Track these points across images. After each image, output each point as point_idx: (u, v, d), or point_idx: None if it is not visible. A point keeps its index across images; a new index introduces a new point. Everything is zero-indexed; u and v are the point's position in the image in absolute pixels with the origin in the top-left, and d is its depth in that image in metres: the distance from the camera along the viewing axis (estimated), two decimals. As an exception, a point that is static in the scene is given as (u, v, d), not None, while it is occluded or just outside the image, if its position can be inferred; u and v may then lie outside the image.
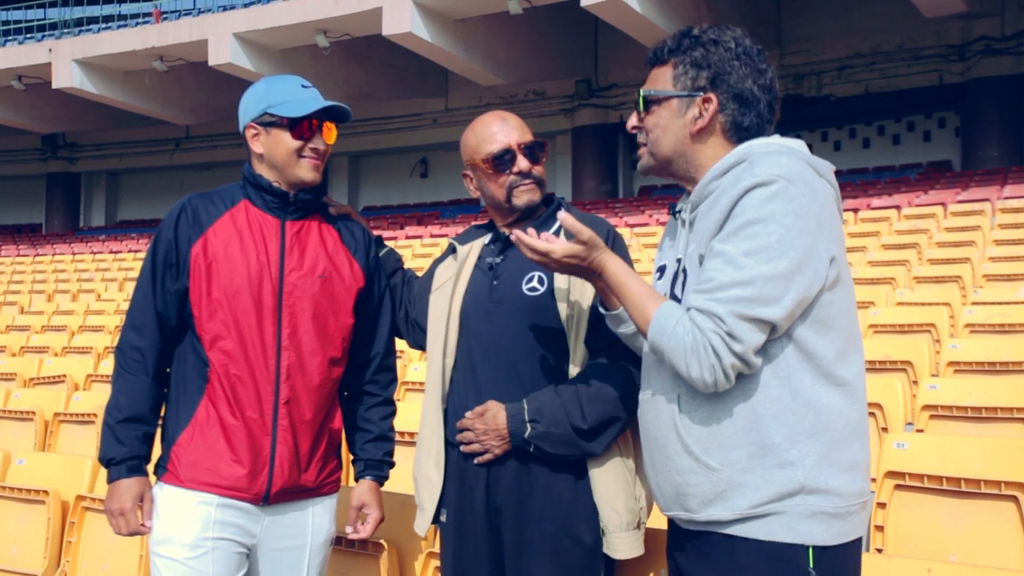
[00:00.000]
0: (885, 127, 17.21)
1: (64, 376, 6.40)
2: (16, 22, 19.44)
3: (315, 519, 2.31)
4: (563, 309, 2.16)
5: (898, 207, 10.85)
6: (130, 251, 16.17)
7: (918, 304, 6.11)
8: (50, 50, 16.58)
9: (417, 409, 3.38)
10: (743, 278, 1.61)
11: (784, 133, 1.84)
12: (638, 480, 2.17)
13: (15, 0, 20.79)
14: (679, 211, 1.88)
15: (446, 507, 2.26)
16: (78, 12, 17.95)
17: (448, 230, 13.60)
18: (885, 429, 3.91)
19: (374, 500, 2.38)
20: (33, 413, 5.23)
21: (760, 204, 1.63)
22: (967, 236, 8.42)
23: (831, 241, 1.67)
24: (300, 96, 2.24)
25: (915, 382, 4.52)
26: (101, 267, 14.79)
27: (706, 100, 1.80)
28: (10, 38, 18.55)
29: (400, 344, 2.55)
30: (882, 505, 3.05)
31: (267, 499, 2.20)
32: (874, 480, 3.26)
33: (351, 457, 2.46)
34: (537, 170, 2.28)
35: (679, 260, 1.82)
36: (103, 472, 2.32)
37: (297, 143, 2.22)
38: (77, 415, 5.11)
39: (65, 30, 17.59)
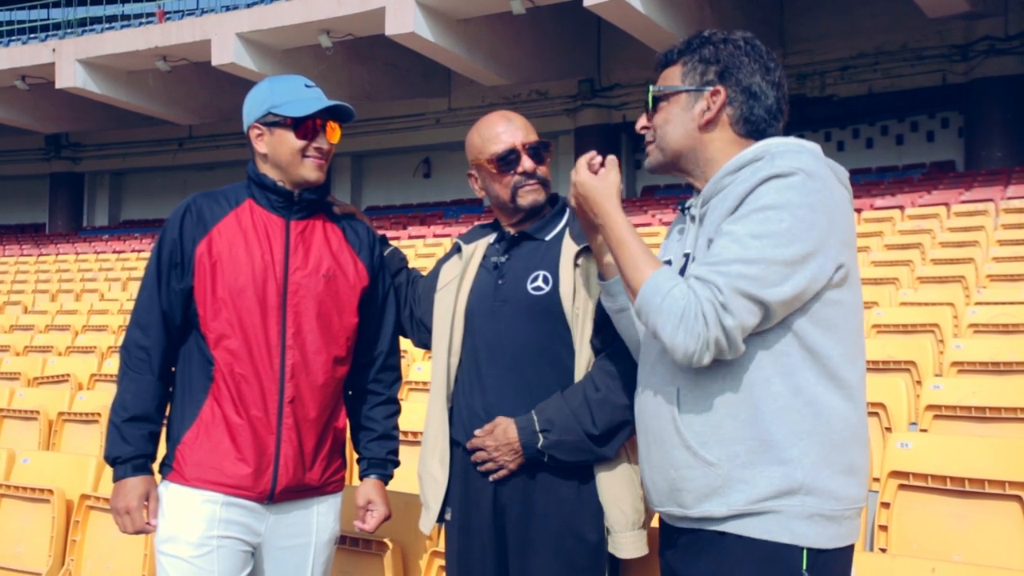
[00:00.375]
0: (888, 127, 17.20)
1: (68, 375, 6.41)
2: (20, 22, 19.47)
3: (320, 517, 2.31)
4: (568, 308, 2.16)
5: (901, 207, 10.84)
6: (133, 251, 16.19)
7: (922, 304, 6.10)
8: (54, 50, 16.60)
9: (421, 409, 3.39)
10: (748, 256, 1.60)
11: (786, 134, 1.84)
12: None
13: (19, 0, 20.83)
14: (688, 207, 1.87)
15: (451, 505, 2.26)
16: (81, 12, 17.99)
17: (451, 230, 13.61)
18: (889, 429, 3.91)
19: (380, 497, 2.38)
20: (37, 412, 5.24)
21: (776, 192, 1.62)
22: (971, 236, 8.41)
23: (842, 243, 1.66)
24: (304, 96, 2.24)
25: (919, 382, 4.51)
26: (104, 267, 14.81)
27: (714, 93, 1.81)
28: (14, 38, 18.58)
29: (403, 343, 2.55)
30: (886, 505, 3.05)
31: (272, 497, 2.21)
32: (877, 480, 3.26)
33: (355, 456, 2.47)
34: (541, 170, 2.28)
35: (687, 255, 1.81)
36: (107, 471, 2.33)
37: (301, 143, 2.23)
38: (81, 414, 5.12)
39: (69, 30, 17.62)
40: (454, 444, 2.27)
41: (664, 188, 17.87)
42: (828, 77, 16.31)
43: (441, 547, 2.67)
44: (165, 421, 2.29)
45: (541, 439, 2.10)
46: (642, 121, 1.91)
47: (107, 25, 17.47)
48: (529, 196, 2.27)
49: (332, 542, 2.37)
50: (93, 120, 20.35)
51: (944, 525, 2.96)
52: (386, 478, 2.42)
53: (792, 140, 1.76)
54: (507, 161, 2.25)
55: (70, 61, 16.35)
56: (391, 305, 2.45)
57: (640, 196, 18.05)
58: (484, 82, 16.33)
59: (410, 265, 2.62)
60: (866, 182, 14.09)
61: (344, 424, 2.37)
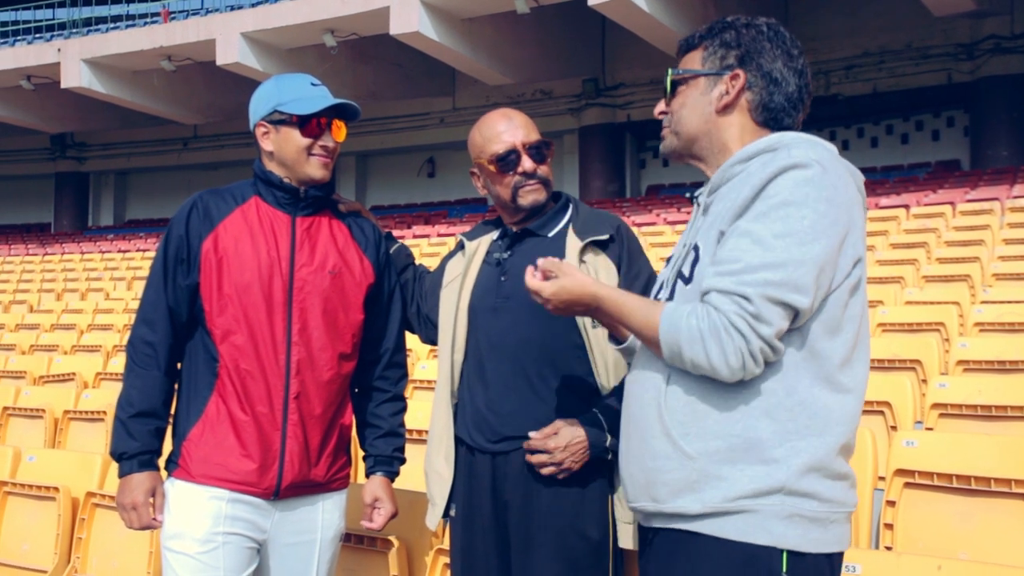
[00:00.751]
0: (893, 126, 17.17)
1: (73, 374, 6.43)
2: (25, 22, 19.52)
3: (325, 514, 2.31)
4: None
5: (907, 206, 10.82)
6: (138, 250, 16.22)
7: (927, 303, 6.09)
8: (59, 50, 16.63)
9: (425, 407, 3.39)
10: (773, 260, 1.53)
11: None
12: None
13: (24, 0, 20.87)
14: (697, 196, 1.82)
15: (455, 502, 2.27)
16: (86, 12, 18.01)
17: (455, 229, 13.61)
18: (894, 427, 3.90)
19: (387, 495, 2.39)
20: (43, 411, 5.25)
21: (794, 186, 1.57)
22: (976, 235, 8.39)
23: (858, 240, 1.62)
24: (309, 94, 2.25)
25: (924, 381, 4.50)
26: (110, 266, 14.83)
27: (733, 76, 1.75)
28: (19, 38, 18.64)
29: (408, 342, 2.56)
30: (891, 503, 3.04)
31: (277, 494, 2.21)
32: (883, 478, 3.25)
33: (362, 454, 2.47)
34: (542, 170, 2.27)
35: (696, 248, 1.73)
36: (113, 469, 2.33)
37: (306, 141, 2.23)
38: (86, 413, 5.13)
39: (74, 30, 17.65)
40: (458, 441, 2.27)
41: (668, 187, 17.86)
42: (833, 76, 16.28)
43: (446, 544, 2.67)
44: (171, 417, 2.29)
45: (609, 438, 2.10)
46: (660, 106, 1.87)
47: (112, 25, 17.50)
48: (530, 196, 2.26)
49: (337, 539, 2.38)
50: (98, 120, 20.39)
51: (950, 523, 2.96)
52: (392, 475, 2.42)
53: (806, 135, 1.71)
54: (507, 161, 2.25)
55: (75, 61, 16.39)
56: (397, 302, 2.45)
57: (645, 195, 18.05)
58: (488, 81, 16.33)
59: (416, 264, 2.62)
60: (871, 181, 14.05)
61: (350, 421, 2.38)
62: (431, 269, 2.55)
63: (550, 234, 2.29)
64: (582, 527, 2.13)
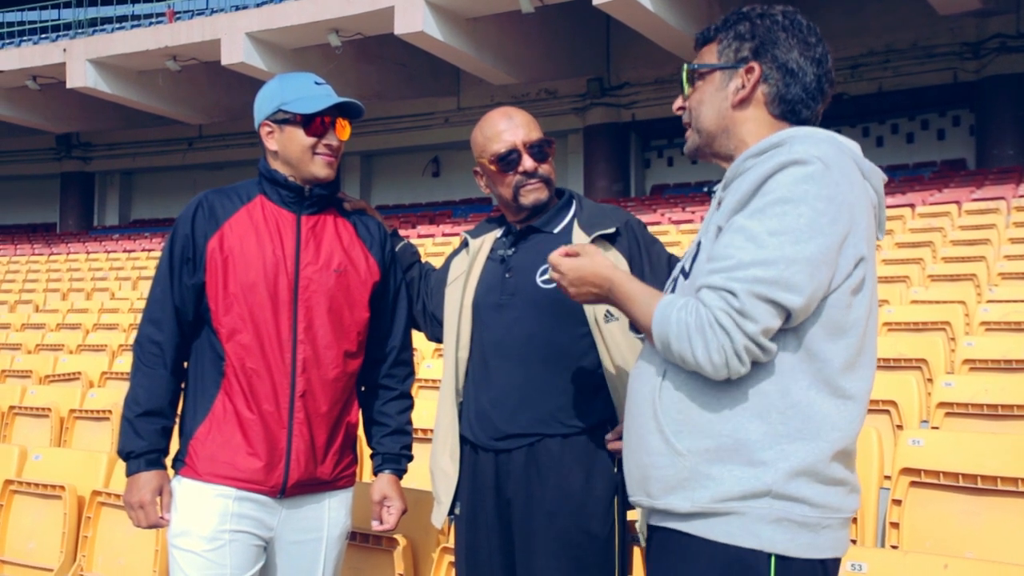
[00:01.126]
0: (899, 125, 17.13)
1: (79, 373, 6.44)
2: (31, 22, 19.56)
3: (331, 512, 2.32)
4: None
5: (912, 205, 10.79)
6: (143, 250, 16.25)
7: (933, 302, 6.08)
8: (64, 50, 16.66)
9: (430, 406, 3.39)
10: (765, 257, 1.50)
11: None
12: None
13: (30, 0, 20.92)
14: (713, 190, 1.80)
15: (460, 500, 2.27)
16: (92, 12, 18.04)
17: (460, 229, 13.61)
18: (900, 426, 3.90)
19: (395, 492, 2.39)
20: (49, 410, 5.26)
21: (793, 183, 1.53)
22: (982, 234, 8.37)
23: (861, 240, 1.57)
24: (313, 93, 2.25)
25: (930, 380, 4.49)
26: (115, 266, 14.86)
27: (748, 70, 1.71)
28: (25, 38, 18.67)
29: (414, 341, 2.56)
30: (897, 502, 3.04)
31: (284, 492, 2.22)
32: (888, 477, 3.25)
33: (369, 452, 2.47)
34: (544, 168, 2.27)
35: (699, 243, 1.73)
36: (119, 467, 2.34)
37: (311, 140, 2.23)
38: (92, 412, 5.14)
39: (79, 30, 17.68)
40: (463, 439, 2.27)
41: (673, 187, 17.84)
42: (838, 75, 15.92)
43: (451, 543, 2.67)
44: (178, 416, 2.30)
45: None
46: (678, 102, 1.84)
47: (117, 25, 17.53)
48: (531, 195, 2.26)
49: (343, 537, 2.38)
50: (103, 120, 20.43)
51: (956, 522, 2.95)
52: (400, 473, 2.43)
53: (821, 131, 1.67)
54: (508, 161, 2.25)
55: (81, 61, 16.42)
56: (403, 300, 2.45)
57: (650, 195, 18.03)
58: (493, 81, 16.33)
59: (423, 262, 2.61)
60: (876, 180, 14.01)
61: (356, 419, 2.38)
62: (437, 267, 2.55)
63: (555, 230, 2.28)
64: (587, 524, 2.13)
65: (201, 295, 2.23)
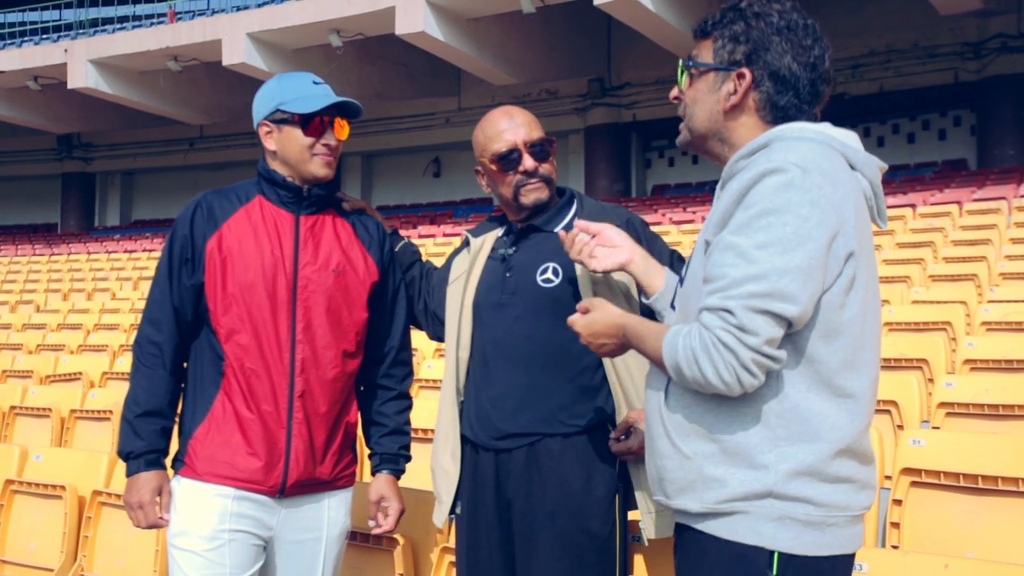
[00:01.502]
0: (900, 125, 17.13)
1: (80, 373, 6.44)
2: (32, 23, 19.57)
3: (331, 512, 2.32)
4: (584, 299, 2.14)
5: (913, 206, 10.79)
6: (144, 250, 16.26)
7: (934, 302, 6.08)
8: (65, 50, 16.67)
9: (431, 406, 3.39)
10: (756, 272, 1.51)
11: None
12: None
13: (31, 1, 20.94)
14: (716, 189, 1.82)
15: (460, 500, 2.26)
16: (93, 13, 18.06)
17: (461, 229, 13.58)
18: (901, 426, 3.89)
19: (393, 493, 2.39)
20: (49, 410, 5.26)
21: (774, 193, 1.54)
22: (983, 235, 8.37)
23: (850, 237, 1.57)
24: (311, 92, 2.24)
25: (931, 380, 4.49)
26: (116, 266, 14.87)
27: (740, 75, 1.71)
28: (26, 39, 18.68)
29: (414, 341, 2.56)
30: (898, 502, 3.04)
31: (283, 491, 2.22)
32: (889, 477, 3.25)
33: (367, 452, 2.47)
34: (544, 168, 2.27)
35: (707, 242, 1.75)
36: (119, 467, 2.34)
37: (309, 139, 2.23)
38: (93, 412, 5.14)
39: (80, 31, 17.69)
40: (463, 439, 2.27)
41: (674, 187, 17.84)
42: (839, 75, 16.23)
43: (451, 543, 2.67)
44: (177, 416, 2.30)
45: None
46: (674, 91, 1.85)
47: (118, 25, 17.54)
48: (532, 195, 2.26)
49: (343, 536, 2.38)
50: (105, 120, 20.43)
51: (957, 522, 2.95)
52: (398, 473, 2.43)
53: (809, 127, 1.68)
54: (508, 160, 2.24)
55: (82, 61, 16.42)
56: (402, 300, 2.45)
57: (650, 195, 18.03)
58: (494, 81, 16.33)
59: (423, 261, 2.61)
60: (877, 180, 14.00)
61: (355, 419, 2.38)
62: (438, 267, 2.55)
63: (556, 229, 2.28)
64: (587, 524, 2.13)
65: (200, 295, 2.24)
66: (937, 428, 3.92)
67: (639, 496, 2.18)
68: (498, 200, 2.36)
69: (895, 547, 2.98)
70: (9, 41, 19.05)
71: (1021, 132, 14.71)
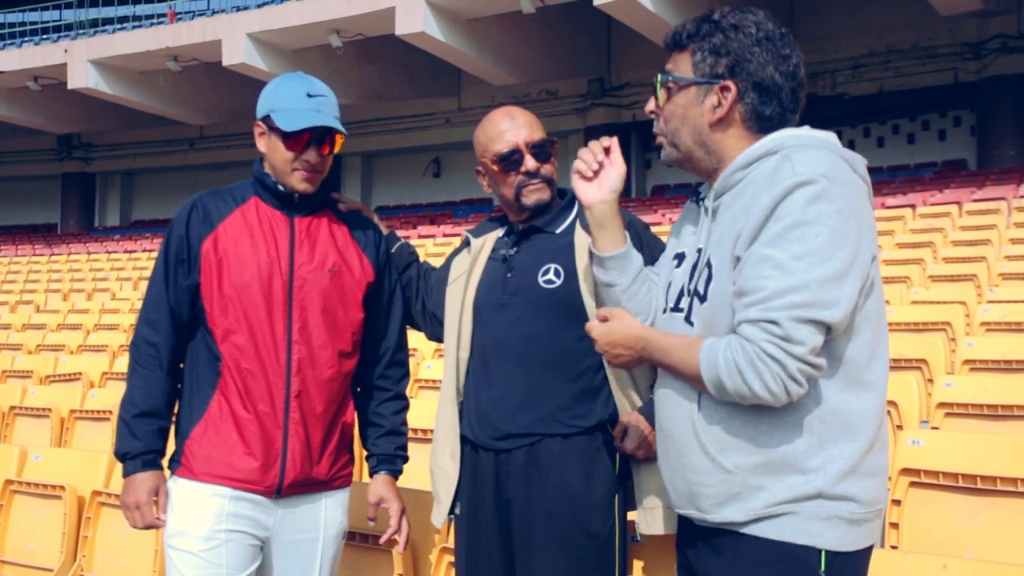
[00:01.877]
0: (900, 126, 17.12)
1: (80, 374, 6.44)
2: (32, 23, 19.58)
3: (328, 512, 2.32)
4: (589, 300, 2.14)
5: (913, 206, 10.79)
6: (144, 251, 16.25)
7: (933, 303, 6.08)
8: (65, 51, 16.68)
9: (430, 406, 3.39)
10: (796, 283, 1.55)
11: None
12: None
13: (31, 1, 20.94)
14: (703, 199, 1.82)
15: (460, 500, 2.26)
16: (93, 13, 18.07)
17: (461, 229, 13.59)
18: (900, 427, 3.89)
19: (391, 493, 2.39)
20: (49, 410, 5.26)
21: (805, 205, 1.57)
22: (983, 235, 8.37)
23: (870, 239, 1.63)
24: (301, 106, 2.20)
25: (930, 380, 4.49)
26: (116, 266, 14.87)
27: (724, 88, 1.72)
28: (26, 39, 18.68)
29: (414, 341, 2.55)
30: (897, 502, 3.04)
31: (279, 492, 2.22)
32: (889, 477, 3.24)
33: (364, 453, 2.47)
34: (546, 169, 2.27)
35: (700, 250, 1.76)
36: (119, 468, 2.34)
37: (290, 154, 2.21)
38: (92, 412, 5.14)
39: (80, 31, 17.70)
40: (463, 439, 2.27)
41: (674, 188, 17.84)
42: (839, 76, 16.24)
43: (450, 543, 2.67)
44: (174, 417, 2.30)
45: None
46: (650, 104, 1.85)
47: (119, 26, 17.54)
48: (533, 196, 2.26)
49: (340, 536, 2.38)
50: (105, 120, 20.44)
51: (955, 522, 2.95)
52: (396, 474, 2.42)
53: (805, 133, 1.71)
54: (510, 161, 2.24)
55: (82, 62, 16.43)
56: (398, 302, 2.44)
57: (650, 195, 18.03)
58: (494, 81, 16.33)
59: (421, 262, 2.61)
60: (877, 181, 13.99)
61: (352, 419, 2.38)
62: (436, 266, 2.55)
63: (558, 230, 2.28)
64: (586, 524, 2.12)
65: (196, 296, 2.23)
66: (936, 428, 3.92)
67: (637, 495, 2.17)
68: (499, 200, 2.36)
69: (894, 547, 2.98)
70: (9, 41, 19.05)
71: (1021, 132, 14.72)
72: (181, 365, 2.30)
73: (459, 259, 2.40)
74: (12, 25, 20.18)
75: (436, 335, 2.45)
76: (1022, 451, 3.12)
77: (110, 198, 25.35)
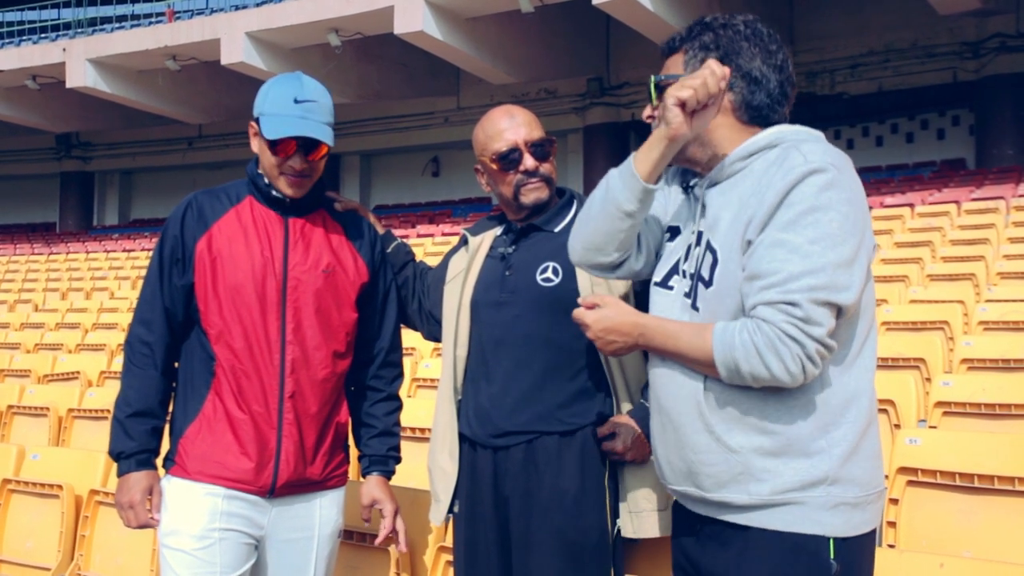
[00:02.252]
0: (899, 125, 17.13)
1: (78, 373, 6.44)
2: (30, 22, 19.56)
3: (323, 510, 2.31)
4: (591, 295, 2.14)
5: (912, 205, 10.79)
6: (143, 250, 16.25)
7: (932, 302, 6.08)
8: (64, 50, 16.66)
9: (428, 405, 3.39)
10: (812, 266, 1.59)
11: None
12: None
13: (29, 0, 20.92)
14: (693, 186, 1.86)
15: (459, 498, 2.26)
16: (91, 12, 18.04)
17: (459, 228, 13.56)
18: (898, 426, 3.89)
19: (385, 494, 2.38)
20: (47, 409, 5.26)
21: (818, 191, 1.62)
22: (981, 234, 8.37)
23: (871, 230, 1.70)
24: (287, 112, 2.17)
25: (928, 379, 4.49)
26: (114, 265, 14.87)
27: None
28: (24, 38, 18.67)
29: (412, 340, 2.55)
30: (895, 501, 3.04)
31: (273, 491, 2.22)
32: (886, 476, 3.24)
33: (357, 454, 2.47)
34: (545, 168, 2.27)
35: (699, 233, 1.78)
36: (115, 467, 2.34)
37: (275, 159, 2.20)
38: (90, 411, 5.14)
39: (79, 30, 17.68)
40: (461, 437, 2.27)
41: (673, 186, 17.80)
42: (838, 75, 16.25)
43: (447, 542, 2.67)
44: (169, 416, 2.29)
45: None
46: (647, 111, 1.89)
47: (117, 24, 17.53)
48: (532, 195, 2.26)
49: (335, 535, 2.38)
50: (103, 119, 20.43)
51: (953, 521, 2.95)
52: (388, 474, 2.42)
53: (802, 128, 1.77)
54: (509, 160, 2.24)
55: (80, 61, 16.41)
56: (392, 302, 2.44)
57: (649, 194, 17.99)
58: (493, 80, 16.33)
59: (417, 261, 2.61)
60: (876, 180, 14.04)
61: (346, 419, 2.37)
62: (432, 266, 2.55)
63: (556, 229, 2.28)
64: (583, 522, 2.12)
65: (190, 296, 2.23)
66: (934, 427, 3.91)
67: (622, 498, 2.16)
68: (498, 199, 2.36)
69: (891, 546, 2.98)
70: (7, 40, 19.04)
71: (1020, 132, 14.71)
72: (176, 364, 2.29)
73: (457, 257, 2.40)
74: (10, 24, 20.16)
75: (433, 334, 2.45)
76: (1020, 450, 3.12)
77: (108, 197, 25.34)
